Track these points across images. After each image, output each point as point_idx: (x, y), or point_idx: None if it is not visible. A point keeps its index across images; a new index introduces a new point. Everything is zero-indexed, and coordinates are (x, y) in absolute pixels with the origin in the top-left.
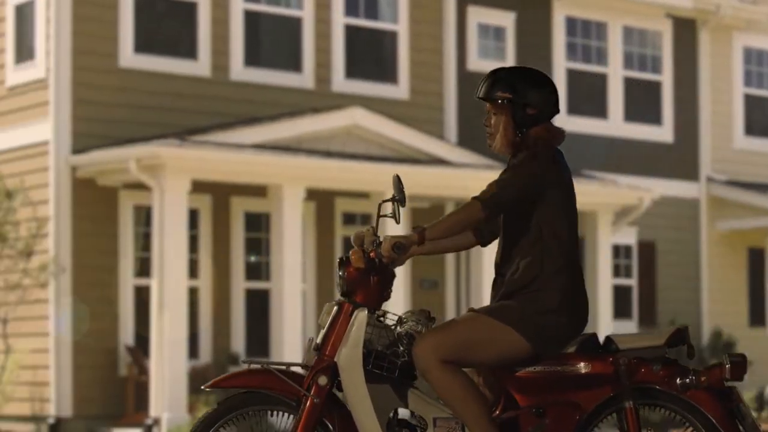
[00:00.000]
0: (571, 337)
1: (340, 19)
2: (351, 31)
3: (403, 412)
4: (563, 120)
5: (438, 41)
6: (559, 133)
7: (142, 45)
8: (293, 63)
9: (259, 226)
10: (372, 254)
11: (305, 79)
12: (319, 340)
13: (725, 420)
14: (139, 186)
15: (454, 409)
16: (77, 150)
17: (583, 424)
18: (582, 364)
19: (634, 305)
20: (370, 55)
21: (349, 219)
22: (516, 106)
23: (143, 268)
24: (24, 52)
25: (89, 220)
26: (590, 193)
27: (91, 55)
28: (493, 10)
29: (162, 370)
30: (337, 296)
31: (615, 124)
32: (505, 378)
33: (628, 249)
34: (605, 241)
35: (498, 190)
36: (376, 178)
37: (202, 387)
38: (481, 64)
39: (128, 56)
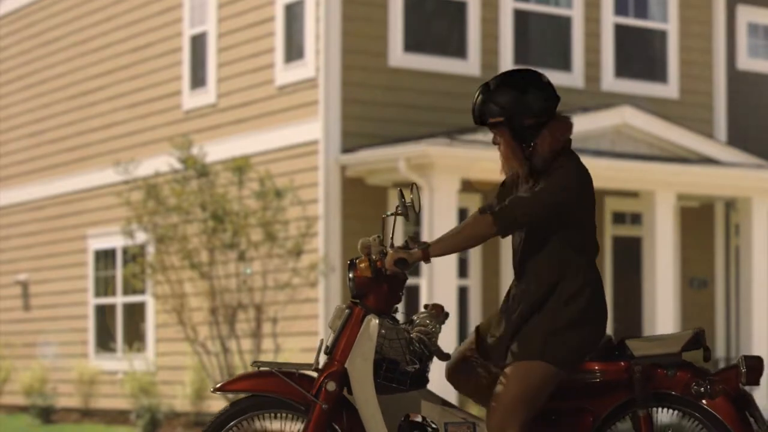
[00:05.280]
0: (592, 349)
1: (609, 18)
2: (621, 31)
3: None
4: None
5: (708, 40)
6: (565, 130)
7: (412, 44)
8: (563, 62)
9: None
10: (379, 264)
11: (575, 78)
12: (329, 344)
13: (740, 425)
14: (408, 185)
15: None
16: (346, 149)
17: (597, 430)
18: (597, 371)
19: None
20: (639, 54)
21: (619, 218)
22: (513, 124)
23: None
24: (293, 51)
25: (358, 219)
26: None
27: (360, 55)
28: (764, 9)
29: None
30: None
31: None
32: None
33: None
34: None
35: (514, 211)
36: (646, 177)
37: (211, 390)
38: (751, 63)
39: (398, 55)
